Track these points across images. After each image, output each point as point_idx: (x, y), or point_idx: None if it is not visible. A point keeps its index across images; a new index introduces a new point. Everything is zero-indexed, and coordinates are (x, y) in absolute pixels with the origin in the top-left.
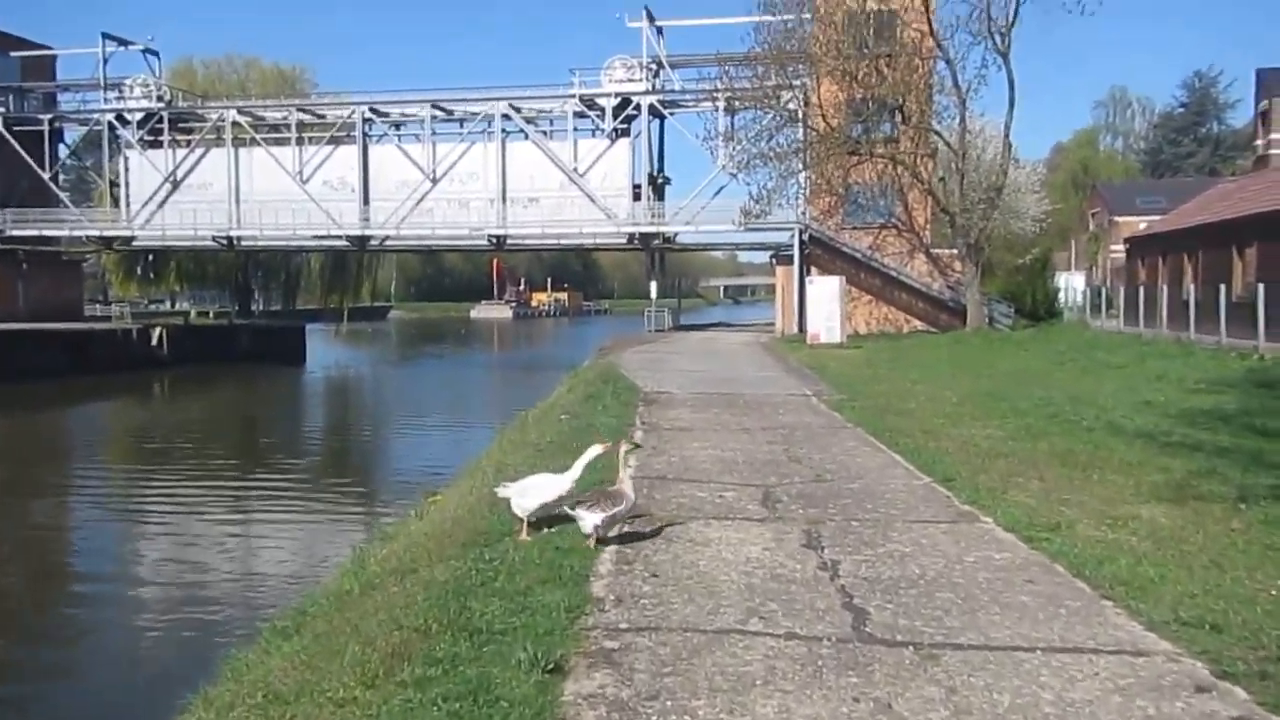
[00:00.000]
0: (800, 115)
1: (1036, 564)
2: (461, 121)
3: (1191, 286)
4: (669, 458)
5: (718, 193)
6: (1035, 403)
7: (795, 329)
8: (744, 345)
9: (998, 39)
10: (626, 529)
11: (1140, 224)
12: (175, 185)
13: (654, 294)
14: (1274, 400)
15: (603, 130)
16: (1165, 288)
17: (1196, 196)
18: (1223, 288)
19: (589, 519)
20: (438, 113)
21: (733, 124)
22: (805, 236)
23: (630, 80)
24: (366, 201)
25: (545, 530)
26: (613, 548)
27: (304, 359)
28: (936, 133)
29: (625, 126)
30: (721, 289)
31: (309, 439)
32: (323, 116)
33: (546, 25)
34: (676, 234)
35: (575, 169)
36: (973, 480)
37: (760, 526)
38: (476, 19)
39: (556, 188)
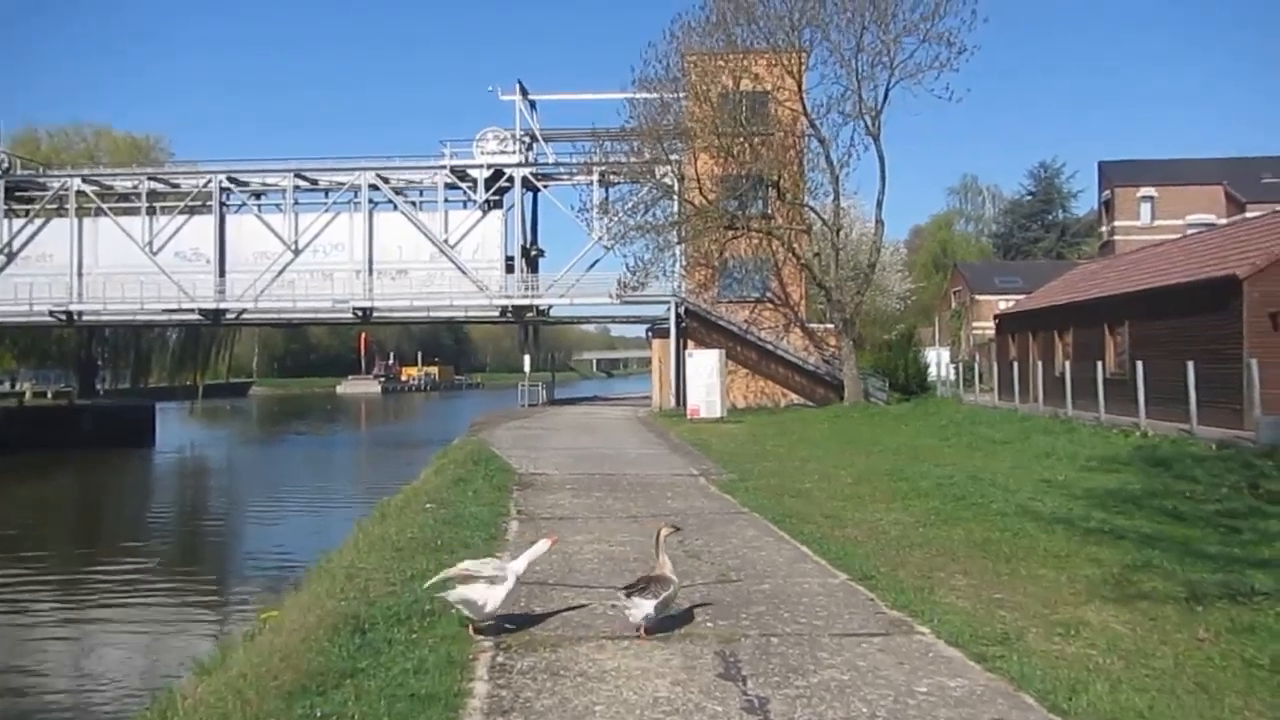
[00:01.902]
0: (676, 189)
1: (1001, 694)
2: (326, 191)
3: (1066, 363)
4: (550, 555)
5: (593, 265)
6: (936, 482)
7: (673, 403)
8: (622, 420)
9: (869, 121)
10: (501, 659)
11: (999, 302)
12: (10, 257)
13: (528, 367)
14: (1174, 480)
15: (474, 202)
16: (1040, 364)
17: (1052, 277)
18: (1099, 366)
19: (644, 606)
20: (301, 182)
21: (608, 197)
22: (682, 310)
23: (503, 152)
24: (222, 273)
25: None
26: (484, 689)
27: (154, 440)
28: (811, 209)
29: (498, 198)
30: (595, 362)
31: (153, 529)
32: (177, 186)
33: (417, 98)
34: (550, 307)
35: (446, 240)
36: (894, 577)
37: (665, 648)
38: (345, 93)
39: (426, 259)
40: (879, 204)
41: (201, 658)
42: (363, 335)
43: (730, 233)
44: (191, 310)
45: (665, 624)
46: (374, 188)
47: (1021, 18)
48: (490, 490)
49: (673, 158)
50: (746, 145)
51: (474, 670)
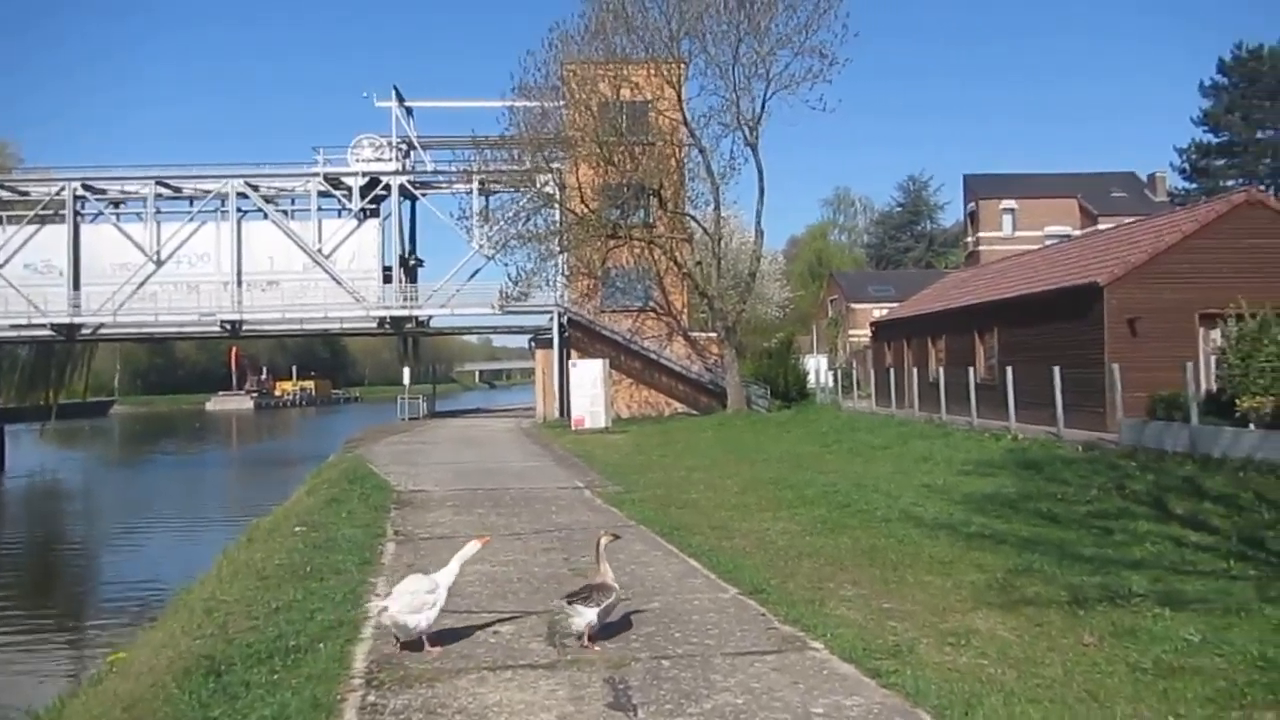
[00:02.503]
0: (558, 198)
1: (897, 712)
2: (191, 200)
3: (940, 369)
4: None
5: (474, 275)
6: (821, 490)
7: (557, 413)
8: (505, 432)
9: (747, 131)
10: (373, 698)
11: (874, 310)
12: None
13: (407, 380)
14: (1046, 482)
15: (350, 210)
16: (914, 370)
17: (923, 286)
18: (971, 371)
19: (587, 614)
20: (163, 190)
21: (488, 205)
22: (565, 319)
23: (379, 160)
24: (77, 286)
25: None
26: None
27: (2, 464)
28: (692, 218)
29: (374, 207)
30: (477, 373)
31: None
32: (26, 193)
33: (287, 104)
34: (430, 317)
35: (320, 250)
36: (784, 590)
37: (551, 677)
38: (211, 99)
39: (299, 270)
40: (758, 213)
41: (38, 709)
42: (233, 349)
43: (612, 242)
44: (43, 325)
45: (607, 630)
46: (242, 195)
47: (892, 27)
48: (366, 510)
49: (554, 166)
50: (627, 154)
51: (342, 713)
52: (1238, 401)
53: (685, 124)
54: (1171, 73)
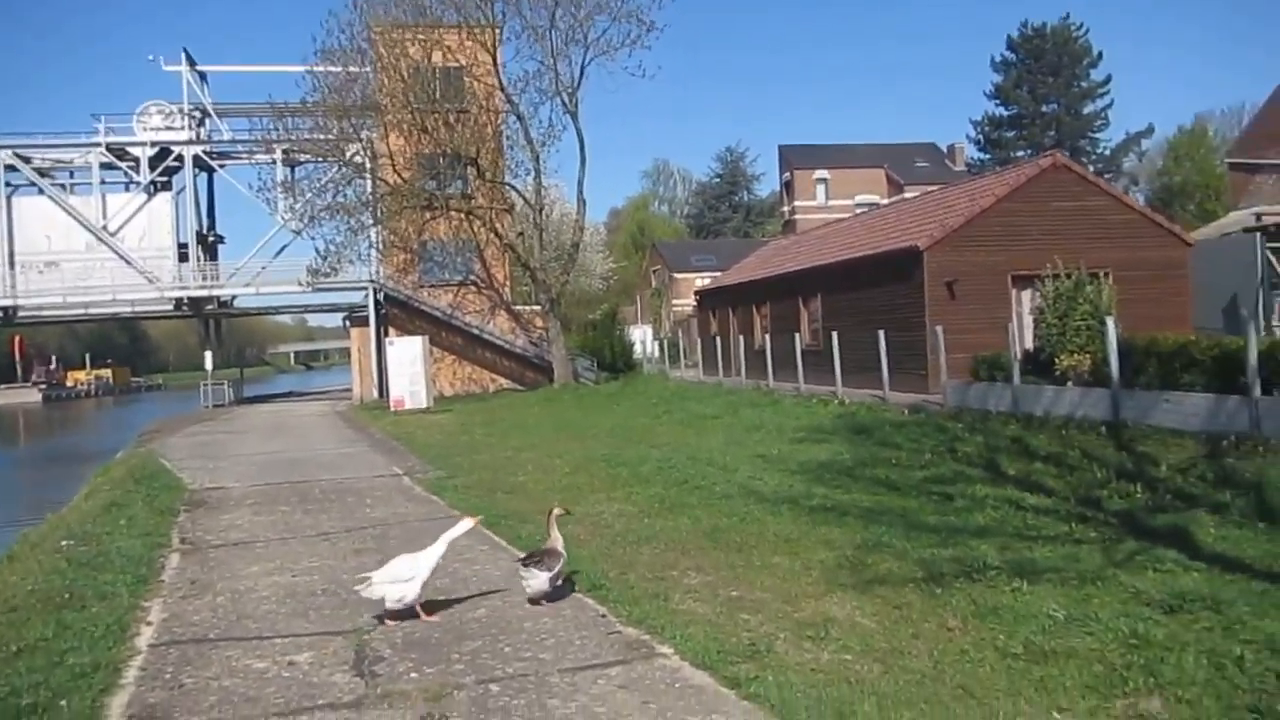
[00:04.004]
0: (369, 168)
1: None
2: None
3: (765, 337)
4: (215, 596)
5: (280, 251)
6: (655, 466)
7: (376, 394)
8: (320, 417)
9: (566, 98)
10: None
11: (697, 279)
12: None
13: (209, 365)
14: (879, 448)
15: (138, 183)
16: (740, 338)
17: (744, 254)
18: (797, 338)
19: (541, 578)
20: None
21: (294, 176)
22: (381, 296)
23: (169, 128)
24: None
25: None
26: None
27: None
28: (512, 187)
29: (166, 180)
30: (292, 355)
31: None
32: None
33: (61, 68)
34: (234, 297)
35: (105, 227)
36: (624, 583)
37: None
38: None
39: (82, 249)
40: (580, 182)
41: None
42: (16, 337)
43: (429, 213)
44: None
45: (561, 592)
46: (12, 169)
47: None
48: (149, 515)
49: (363, 134)
50: (441, 121)
51: None
52: (1056, 360)
53: (501, 89)
54: (970, 48)
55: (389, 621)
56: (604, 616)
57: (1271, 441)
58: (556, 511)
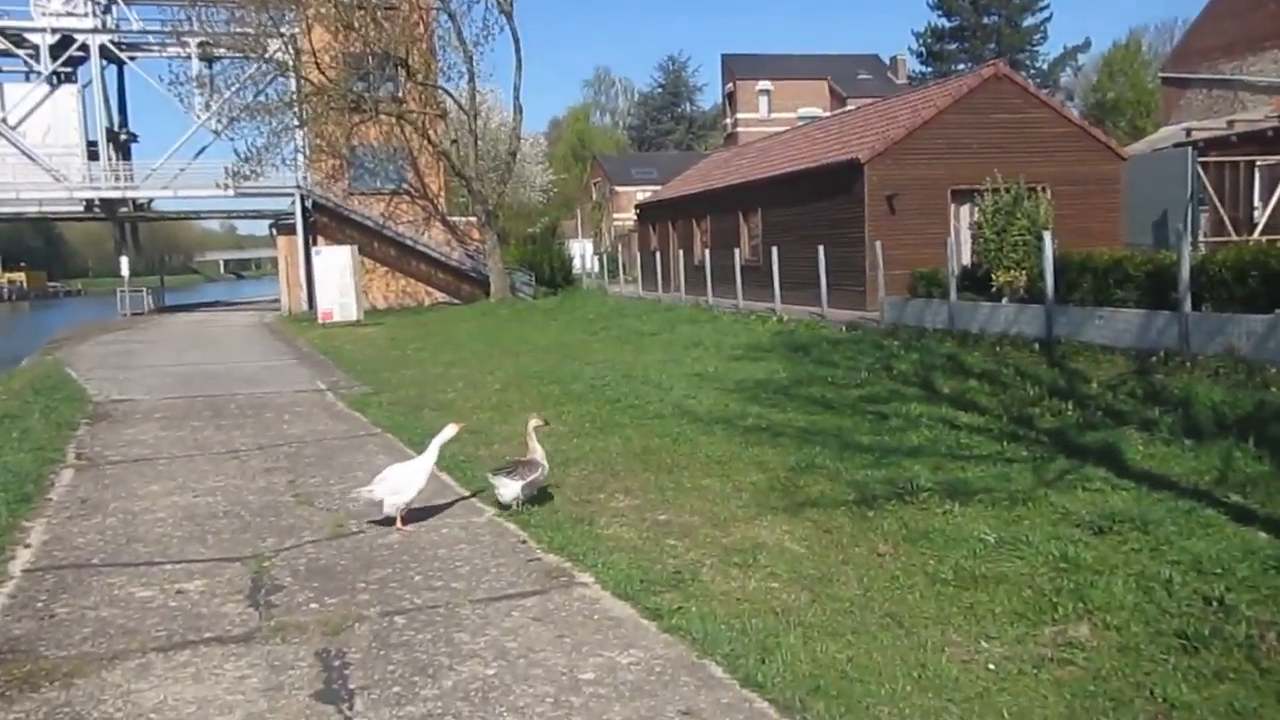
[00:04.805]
0: (291, 65)
1: (684, 668)
2: None
3: (705, 252)
4: (106, 518)
5: (200, 153)
6: (588, 384)
7: (305, 306)
8: (245, 328)
9: None
10: None
11: (637, 193)
12: None
13: (125, 271)
14: (816, 366)
15: (39, 74)
16: (680, 253)
17: (686, 168)
18: (736, 253)
19: (511, 487)
20: None
21: (211, 72)
22: (309, 203)
23: (71, 14)
24: None
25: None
26: None
27: None
28: (445, 91)
29: (70, 71)
30: (221, 263)
31: None
32: None
33: None
34: (151, 200)
35: (4, 120)
36: (547, 507)
37: (244, 656)
38: None
39: None
40: (516, 87)
41: None
42: None
43: (357, 116)
44: None
45: (535, 499)
46: None
47: None
48: (46, 428)
49: (283, 30)
50: (369, 18)
51: None
52: (993, 276)
53: None
54: None
55: (405, 526)
56: (524, 543)
57: (1199, 357)
58: (534, 422)
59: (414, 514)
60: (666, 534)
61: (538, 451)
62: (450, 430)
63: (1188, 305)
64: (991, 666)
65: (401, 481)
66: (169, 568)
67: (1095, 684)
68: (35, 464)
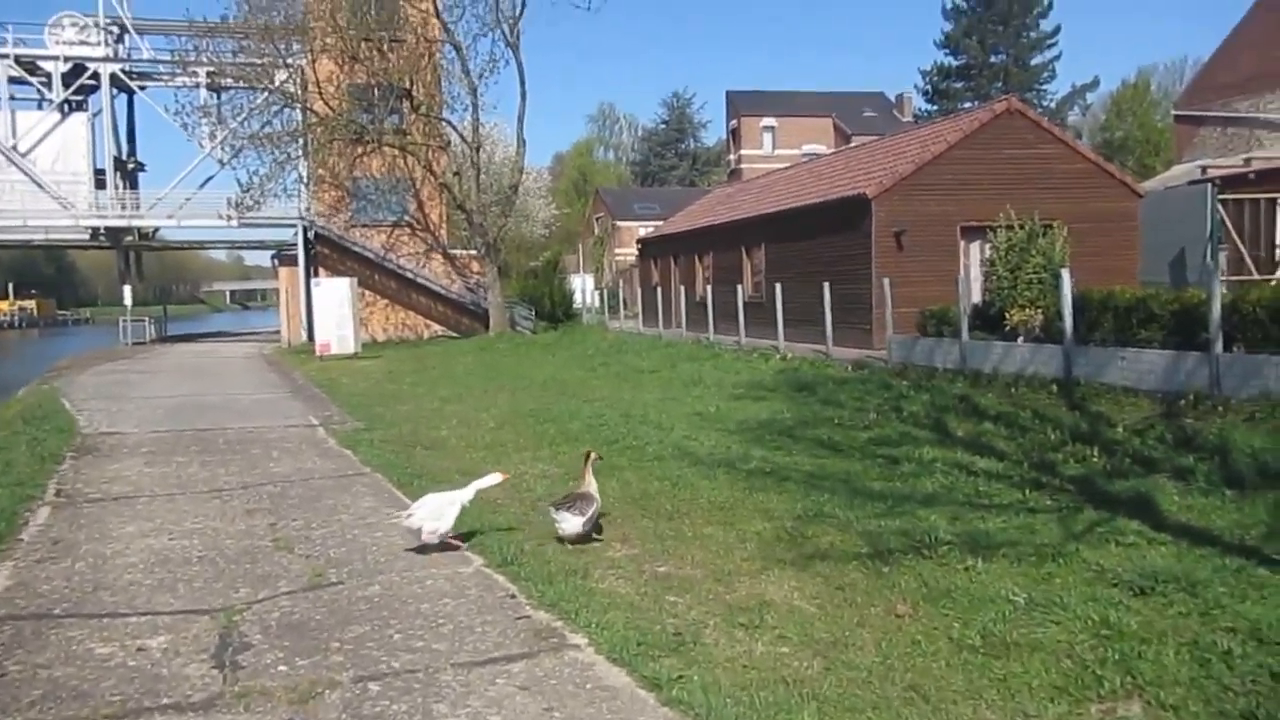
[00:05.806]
0: (298, 96)
1: None
2: None
3: (707, 287)
4: (75, 561)
5: (206, 182)
6: (586, 423)
7: (304, 337)
8: (244, 359)
9: (507, 29)
10: None
11: (640, 228)
12: None
13: (129, 299)
14: (821, 406)
15: (51, 101)
16: (682, 288)
17: (688, 203)
18: (739, 289)
19: (574, 522)
20: None
21: (219, 102)
22: (311, 234)
23: (84, 43)
24: None
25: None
26: None
27: None
28: (449, 123)
29: (81, 99)
30: (228, 293)
31: None
32: None
33: None
34: (156, 229)
35: (14, 147)
36: (541, 557)
37: None
38: None
39: None
40: (520, 119)
41: None
42: None
43: (360, 147)
44: None
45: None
46: None
47: None
48: (29, 461)
49: (291, 60)
50: (375, 49)
51: None
52: (1006, 315)
53: (438, 17)
54: None
55: (436, 541)
56: (513, 597)
57: (1232, 401)
58: (593, 456)
59: (398, 562)
60: (666, 589)
61: (593, 485)
62: (494, 478)
63: (1219, 346)
64: None
65: (441, 508)
66: (133, 620)
67: None
68: (12, 501)
